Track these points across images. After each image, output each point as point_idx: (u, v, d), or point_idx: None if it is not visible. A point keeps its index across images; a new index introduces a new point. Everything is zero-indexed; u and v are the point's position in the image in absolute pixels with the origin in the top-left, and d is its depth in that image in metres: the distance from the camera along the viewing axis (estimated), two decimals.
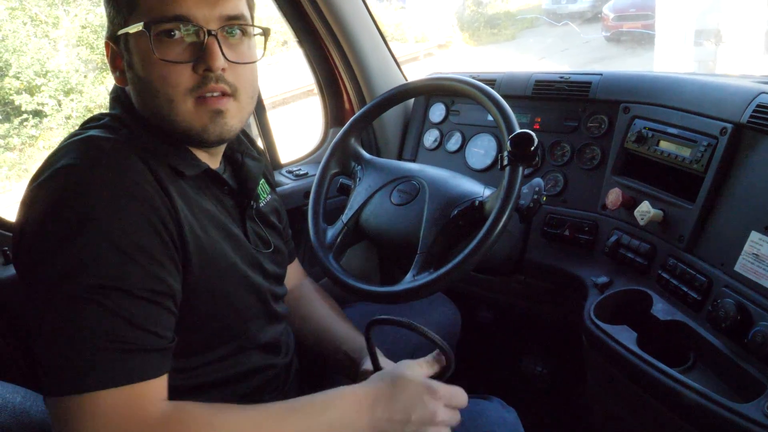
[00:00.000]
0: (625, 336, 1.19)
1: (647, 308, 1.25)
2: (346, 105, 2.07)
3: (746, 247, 1.12)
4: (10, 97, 8.21)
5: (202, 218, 0.98)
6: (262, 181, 1.25)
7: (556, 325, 1.78)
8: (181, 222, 0.91)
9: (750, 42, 6.58)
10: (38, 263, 0.82)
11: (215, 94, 0.95)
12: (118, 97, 1.02)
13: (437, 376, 1.02)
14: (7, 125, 8.17)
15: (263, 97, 1.96)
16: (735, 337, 1.08)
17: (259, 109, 1.95)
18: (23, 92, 8.23)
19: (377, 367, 1.08)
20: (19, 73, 8.23)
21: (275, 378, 1.16)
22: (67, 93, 8.51)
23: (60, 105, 8.43)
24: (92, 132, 0.93)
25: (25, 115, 8.24)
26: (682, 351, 1.18)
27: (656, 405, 1.13)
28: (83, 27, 8.80)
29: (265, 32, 1.04)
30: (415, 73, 1.98)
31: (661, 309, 1.24)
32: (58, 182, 0.84)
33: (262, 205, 1.21)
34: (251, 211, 1.14)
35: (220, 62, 0.93)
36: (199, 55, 0.93)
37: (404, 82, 2.04)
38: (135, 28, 0.92)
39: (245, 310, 1.06)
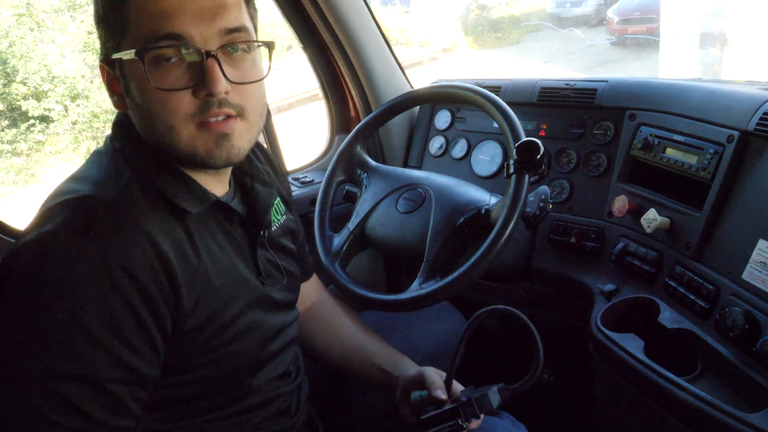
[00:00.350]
0: (633, 344, 1.19)
1: (654, 316, 1.25)
2: (352, 112, 2.07)
3: (754, 256, 1.11)
4: (18, 103, 8.27)
5: (208, 266, 0.93)
6: (278, 200, 1.19)
7: (562, 333, 1.78)
8: (178, 291, 0.86)
9: (756, 46, 6.57)
10: (4, 332, 0.78)
11: (219, 118, 0.88)
12: (120, 122, 0.97)
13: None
14: (14, 130, 8.22)
15: (269, 102, 1.96)
16: (743, 347, 1.07)
17: (266, 115, 1.95)
18: (30, 98, 8.28)
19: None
20: (26, 78, 8.29)
21: (285, 405, 1.13)
22: (73, 98, 8.56)
23: (66, 110, 8.49)
24: (91, 190, 0.86)
25: (32, 121, 8.29)
26: (690, 360, 1.18)
27: (664, 414, 1.12)
28: (89, 33, 8.84)
29: (269, 46, 0.96)
30: (420, 77, 1.99)
31: (668, 317, 1.23)
32: (40, 251, 0.78)
33: (275, 229, 1.15)
34: (262, 239, 1.07)
35: (222, 86, 0.86)
36: (199, 79, 0.86)
37: (409, 89, 2.04)
38: (127, 54, 0.86)
39: (251, 359, 1.02)
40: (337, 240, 1.51)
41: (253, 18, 0.95)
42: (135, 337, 0.81)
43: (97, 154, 0.96)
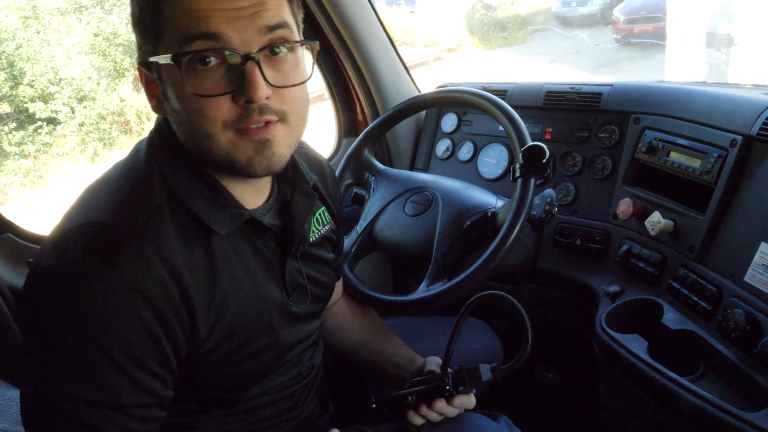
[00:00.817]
0: (636, 345, 1.21)
1: (658, 317, 1.27)
2: (359, 116, 2.10)
3: (756, 258, 1.13)
4: (25, 105, 8.32)
5: (228, 288, 0.91)
6: (322, 209, 1.15)
7: (567, 333, 1.80)
8: (194, 315, 0.86)
9: (763, 47, 6.55)
10: (30, 359, 0.79)
11: (260, 125, 0.84)
12: (160, 127, 0.93)
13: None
14: (21, 132, 8.27)
15: None
16: (745, 347, 1.09)
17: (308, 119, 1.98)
18: (37, 100, 8.33)
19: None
20: (33, 81, 8.33)
21: (292, 402, 1.13)
22: (80, 100, 8.60)
23: (73, 112, 8.53)
24: (113, 216, 0.83)
25: (39, 123, 8.35)
26: (693, 360, 1.20)
27: (667, 413, 1.15)
28: (95, 35, 8.90)
29: (312, 47, 0.91)
30: (425, 77, 2.01)
31: (671, 318, 1.26)
32: (60, 280, 0.78)
33: (314, 239, 1.10)
34: (295, 252, 1.03)
35: (262, 92, 0.81)
36: (239, 84, 0.81)
37: (416, 93, 2.07)
38: (164, 59, 0.82)
39: (262, 370, 1.02)
40: (346, 242, 1.53)
41: (295, 15, 0.89)
42: (155, 363, 0.82)
43: (132, 160, 0.93)
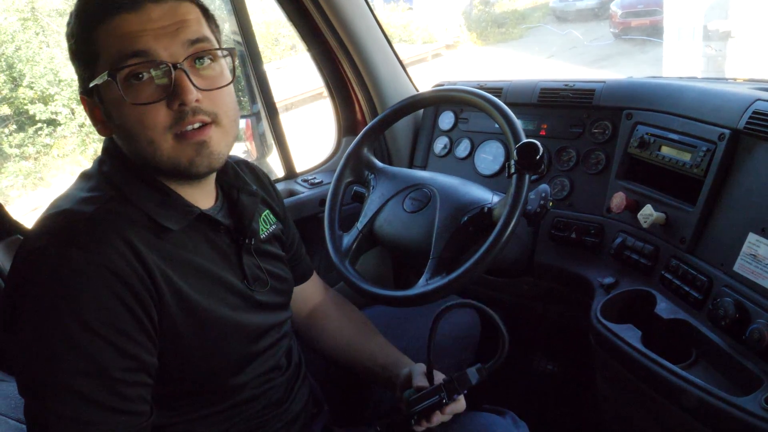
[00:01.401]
0: (631, 334, 1.25)
1: (651, 307, 1.31)
2: (358, 115, 2.13)
3: (744, 248, 1.17)
4: (25, 107, 8.33)
5: (189, 274, 0.98)
6: (267, 212, 1.25)
7: (564, 325, 1.83)
8: (160, 290, 0.92)
9: (760, 40, 6.57)
10: (17, 344, 0.86)
11: (195, 126, 0.93)
12: (107, 148, 1.02)
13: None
14: (22, 134, 8.28)
15: (276, 101, 2.03)
16: (734, 334, 1.13)
17: (273, 117, 2.02)
18: (37, 101, 8.34)
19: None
20: (32, 82, 8.33)
21: (277, 396, 1.18)
22: (80, 101, 8.61)
23: (73, 113, 8.53)
24: (72, 206, 0.92)
25: (39, 125, 8.35)
26: (685, 348, 1.23)
27: (661, 400, 1.18)
28: None
29: (231, 53, 1.02)
30: (424, 74, 2.04)
31: (664, 308, 1.29)
32: (35, 266, 0.86)
33: (264, 236, 1.20)
34: (248, 246, 1.12)
35: (192, 95, 0.91)
36: (171, 91, 0.91)
37: (414, 91, 2.11)
38: (102, 78, 0.91)
39: (237, 357, 1.07)
40: (347, 239, 1.57)
41: (214, 31, 1.00)
42: (132, 329, 0.87)
43: (83, 176, 1.02)
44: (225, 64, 1.00)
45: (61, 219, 0.90)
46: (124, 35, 0.90)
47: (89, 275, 0.84)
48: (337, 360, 1.40)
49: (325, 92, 2.16)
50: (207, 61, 0.96)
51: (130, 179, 0.98)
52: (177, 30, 0.92)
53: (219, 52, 0.98)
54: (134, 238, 0.90)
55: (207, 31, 0.97)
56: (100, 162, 1.02)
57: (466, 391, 1.14)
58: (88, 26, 0.92)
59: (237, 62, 1.03)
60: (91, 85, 0.94)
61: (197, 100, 0.92)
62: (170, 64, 0.91)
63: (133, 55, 0.90)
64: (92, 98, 0.97)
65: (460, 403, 1.16)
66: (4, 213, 1.44)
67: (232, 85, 1.01)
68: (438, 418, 1.12)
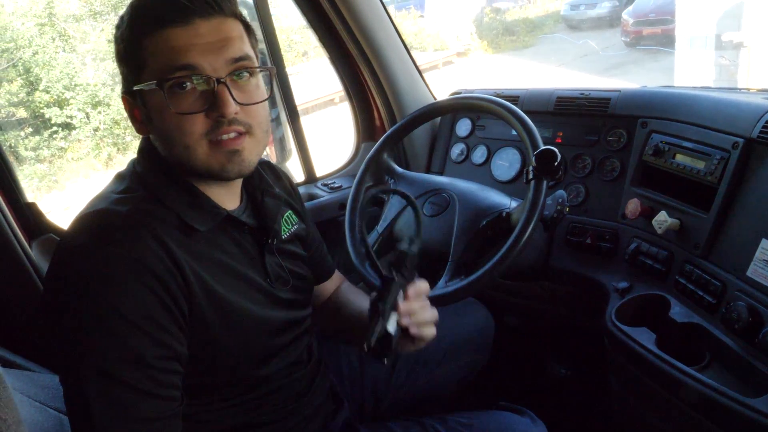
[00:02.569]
0: (645, 337, 1.28)
1: (665, 311, 1.34)
2: (377, 121, 2.18)
3: (757, 254, 1.20)
4: (41, 111, 8.43)
5: (216, 271, 1.03)
6: (289, 212, 1.29)
7: (579, 329, 1.86)
8: (189, 285, 0.97)
9: None
10: (58, 336, 0.91)
11: (231, 135, 0.99)
12: (143, 149, 1.08)
13: None
14: (37, 137, 8.39)
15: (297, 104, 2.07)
16: (747, 338, 1.16)
17: (295, 122, 2.07)
18: (53, 105, 8.45)
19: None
20: (48, 87, 8.44)
21: (298, 389, 1.22)
22: (94, 106, 8.70)
23: (88, 117, 8.64)
24: (107, 205, 0.98)
25: (54, 128, 8.46)
26: (699, 351, 1.26)
27: (675, 401, 1.21)
28: (110, 41, 8.98)
29: (270, 71, 1.10)
30: (435, 81, 2.07)
31: (678, 312, 1.32)
32: (73, 263, 0.92)
33: (285, 236, 1.25)
34: (270, 246, 1.17)
35: (231, 108, 0.97)
36: (212, 103, 0.97)
37: (431, 99, 2.15)
38: (149, 85, 0.97)
39: (261, 350, 1.12)
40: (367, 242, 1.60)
41: (254, 47, 1.06)
42: (164, 319, 0.93)
43: (118, 177, 1.08)
44: (261, 78, 1.06)
45: (98, 218, 0.96)
46: (173, 48, 0.96)
47: (125, 270, 0.90)
48: (345, 334, 1.43)
49: (338, 98, 2.22)
50: (246, 75, 1.02)
51: (162, 180, 1.04)
52: (222, 47, 0.98)
53: (258, 69, 1.05)
54: (165, 236, 0.96)
55: (248, 49, 1.03)
56: (134, 163, 1.08)
57: (416, 272, 1.12)
58: (139, 34, 0.98)
59: (275, 79, 1.07)
60: (136, 88, 1.00)
61: (235, 113, 0.98)
62: (213, 78, 0.97)
63: (180, 68, 0.96)
64: (134, 99, 1.03)
65: (419, 283, 1.14)
66: (38, 213, 1.49)
67: (267, 102, 1.07)
68: (406, 306, 1.08)
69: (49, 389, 1.13)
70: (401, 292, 1.09)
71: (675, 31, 8.37)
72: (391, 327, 1.05)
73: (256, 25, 1.89)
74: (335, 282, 1.51)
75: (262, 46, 1.96)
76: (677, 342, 1.28)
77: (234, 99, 0.98)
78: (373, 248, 1.60)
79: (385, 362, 1.06)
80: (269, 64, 1.98)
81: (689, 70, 7.57)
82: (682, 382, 1.17)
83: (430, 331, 1.13)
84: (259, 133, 1.04)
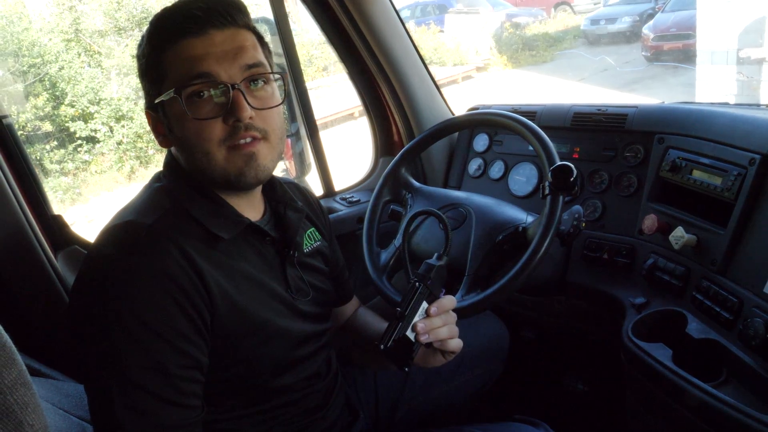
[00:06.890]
0: (662, 353, 1.27)
1: (682, 327, 1.33)
2: (395, 136, 2.20)
3: None
4: (66, 124, 8.60)
5: (238, 280, 1.06)
6: (312, 229, 1.32)
7: (595, 344, 1.85)
8: (212, 295, 1.00)
9: None
10: (83, 344, 0.94)
11: (247, 140, 1.03)
12: (168, 163, 1.13)
13: None
14: (62, 151, 8.55)
15: (317, 118, 2.10)
16: (764, 354, 1.15)
17: (314, 136, 2.10)
18: (78, 119, 8.61)
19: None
20: (74, 101, 8.61)
21: (316, 402, 1.24)
22: (118, 120, 8.86)
23: (112, 131, 8.78)
24: (133, 217, 1.01)
25: (78, 141, 8.62)
26: (715, 367, 1.25)
27: (691, 417, 1.20)
28: (133, 57, 9.12)
29: (283, 77, 1.14)
30: (454, 96, 2.08)
31: (695, 328, 1.32)
32: (102, 273, 0.95)
33: (307, 251, 1.27)
34: (291, 258, 1.19)
35: (247, 113, 1.01)
36: (228, 108, 1.01)
37: (449, 114, 2.17)
38: (168, 95, 1.03)
39: (280, 360, 1.13)
40: (384, 255, 1.62)
41: (267, 56, 1.11)
42: (186, 329, 0.95)
43: (145, 189, 1.12)
44: (276, 86, 1.10)
45: (124, 230, 1.00)
46: (190, 58, 1.01)
47: (149, 281, 0.94)
48: (363, 359, 1.46)
49: (357, 112, 2.25)
50: (261, 83, 1.06)
51: (186, 191, 1.08)
52: (236, 55, 1.03)
53: (272, 76, 1.09)
54: (189, 248, 0.99)
55: (261, 57, 1.08)
56: (159, 176, 1.13)
57: (443, 289, 1.14)
58: (158, 49, 1.03)
59: (289, 85, 1.11)
60: (157, 101, 1.05)
61: (250, 118, 1.02)
62: (228, 85, 1.01)
63: (197, 76, 1.01)
64: (157, 113, 1.08)
65: (447, 298, 1.15)
66: (64, 225, 1.53)
67: (281, 107, 1.11)
68: (424, 323, 1.08)
69: (72, 397, 1.16)
70: (424, 303, 1.10)
71: (696, 46, 8.34)
72: (411, 333, 1.07)
73: (276, 40, 1.94)
74: (353, 306, 1.53)
75: (282, 60, 2.00)
76: (694, 358, 1.27)
77: (249, 104, 1.02)
78: (391, 261, 1.61)
79: (406, 370, 1.07)
80: (290, 78, 2.02)
81: (710, 85, 7.53)
82: (695, 397, 1.16)
83: (455, 344, 1.15)
84: (274, 139, 1.08)
